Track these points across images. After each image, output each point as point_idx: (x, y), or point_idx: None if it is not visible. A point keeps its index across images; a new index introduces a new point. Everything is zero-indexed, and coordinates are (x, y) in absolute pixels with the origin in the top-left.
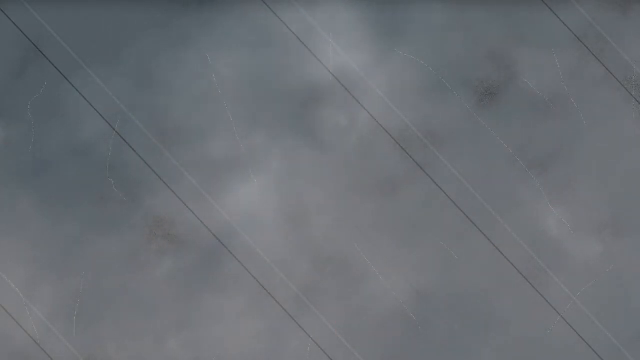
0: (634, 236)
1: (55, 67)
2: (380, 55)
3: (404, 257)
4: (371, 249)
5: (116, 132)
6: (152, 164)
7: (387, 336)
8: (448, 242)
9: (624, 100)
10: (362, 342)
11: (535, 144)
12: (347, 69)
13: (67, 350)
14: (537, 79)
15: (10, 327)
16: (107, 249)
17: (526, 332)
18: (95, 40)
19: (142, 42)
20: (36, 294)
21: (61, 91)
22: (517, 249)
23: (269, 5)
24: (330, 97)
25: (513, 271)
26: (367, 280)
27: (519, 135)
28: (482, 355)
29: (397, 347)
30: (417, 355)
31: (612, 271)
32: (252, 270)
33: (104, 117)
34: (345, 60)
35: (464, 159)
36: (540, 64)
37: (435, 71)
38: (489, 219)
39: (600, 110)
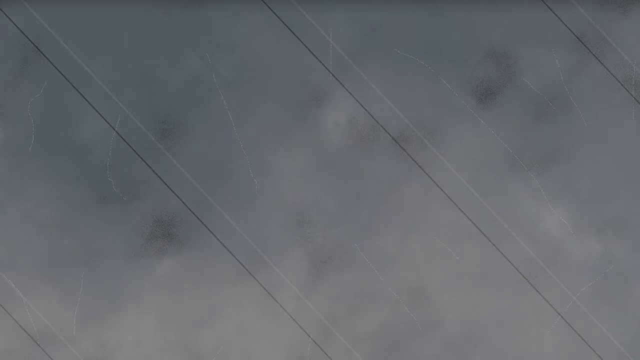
0: (634, 236)
1: (55, 67)
2: (380, 55)
3: (404, 257)
4: (371, 249)
5: (116, 132)
6: (152, 164)
7: (387, 336)
8: (448, 242)
9: (624, 100)
10: (362, 341)
11: (535, 144)
12: (347, 68)
13: (67, 350)
14: (537, 79)
15: (11, 327)
16: (107, 248)
17: (526, 332)
18: (95, 40)
19: (142, 42)
20: (36, 294)
21: (61, 91)
22: (517, 249)
23: (268, 5)
24: (330, 97)
25: (513, 271)
26: (367, 280)
27: (519, 135)
28: (481, 355)
29: (397, 347)
30: (417, 355)
31: (612, 271)
32: (252, 270)
33: (104, 117)
34: (345, 59)
35: (464, 159)
36: (540, 64)
37: (435, 71)
38: (488, 219)
39: (600, 110)
